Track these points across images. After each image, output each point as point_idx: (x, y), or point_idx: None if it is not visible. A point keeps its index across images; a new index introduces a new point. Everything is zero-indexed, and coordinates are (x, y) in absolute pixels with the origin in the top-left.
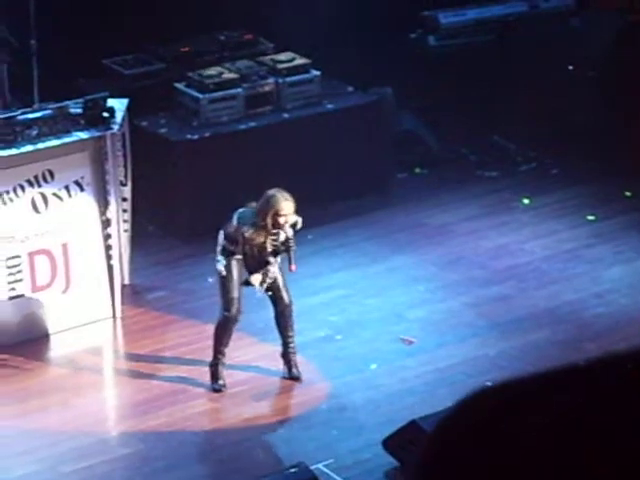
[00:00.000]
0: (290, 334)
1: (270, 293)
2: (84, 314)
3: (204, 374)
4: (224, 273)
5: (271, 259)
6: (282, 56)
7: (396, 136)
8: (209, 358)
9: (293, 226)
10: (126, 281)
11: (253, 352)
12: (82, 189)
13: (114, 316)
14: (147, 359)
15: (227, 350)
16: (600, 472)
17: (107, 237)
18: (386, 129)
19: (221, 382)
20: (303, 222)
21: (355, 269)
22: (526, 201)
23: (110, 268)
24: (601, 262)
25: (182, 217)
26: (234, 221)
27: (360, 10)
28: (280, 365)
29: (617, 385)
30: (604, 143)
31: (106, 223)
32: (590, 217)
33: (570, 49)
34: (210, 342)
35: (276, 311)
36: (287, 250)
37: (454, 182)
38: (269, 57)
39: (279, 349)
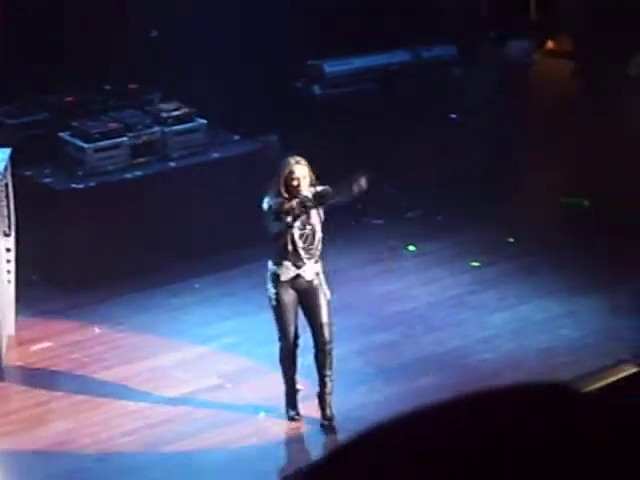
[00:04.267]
0: (328, 373)
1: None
2: None
3: (93, 424)
4: (274, 302)
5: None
6: (167, 105)
7: None
8: (97, 408)
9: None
10: (10, 332)
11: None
12: None
13: None
14: (33, 410)
15: (298, 377)
16: None
17: None
18: (271, 176)
19: (292, 413)
20: (190, 271)
21: (244, 317)
22: (412, 248)
23: None
24: (485, 308)
25: (67, 267)
26: (264, 205)
27: (245, 59)
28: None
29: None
30: (487, 190)
31: None
32: (474, 263)
33: (452, 98)
34: (94, 391)
35: (316, 348)
36: (304, 210)
37: (341, 229)
38: (154, 106)
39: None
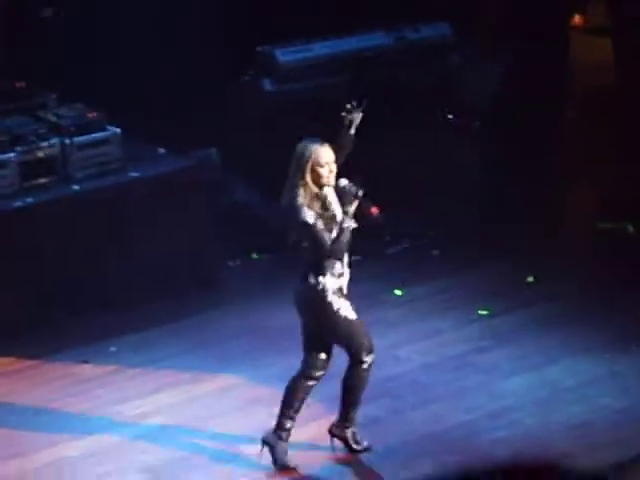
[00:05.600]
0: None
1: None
2: None
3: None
4: (351, 316)
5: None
6: (68, 110)
7: (224, 211)
8: None
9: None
10: None
11: None
12: None
13: None
14: None
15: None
16: None
17: None
18: (211, 202)
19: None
20: (103, 330)
21: (175, 391)
22: (398, 292)
23: None
24: (498, 371)
25: None
26: (307, 214)
27: (172, 46)
28: None
29: None
30: (496, 213)
31: None
32: (482, 311)
33: (449, 92)
34: None
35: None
36: (352, 201)
37: None
38: (51, 111)
39: None
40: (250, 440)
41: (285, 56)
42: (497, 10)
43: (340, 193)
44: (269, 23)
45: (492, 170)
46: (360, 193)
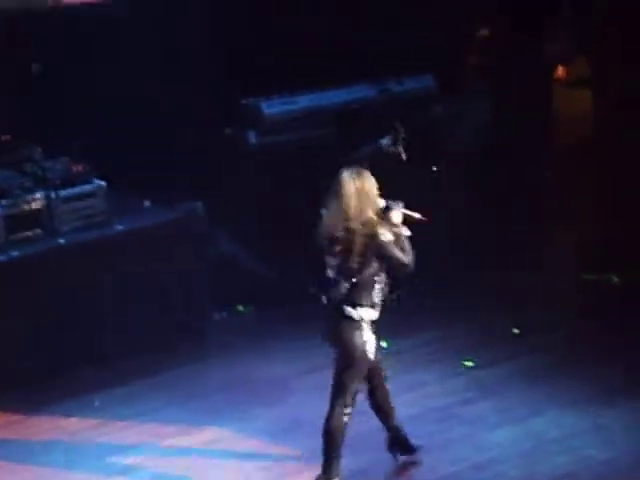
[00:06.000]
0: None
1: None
2: None
3: None
4: (370, 355)
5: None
6: (54, 163)
7: (210, 263)
8: None
9: None
10: None
11: None
12: None
13: None
14: None
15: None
16: None
17: None
18: (196, 255)
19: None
20: (87, 384)
21: (160, 444)
22: (383, 344)
23: None
24: (483, 422)
25: None
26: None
27: (156, 99)
28: None
29: None
30: (480, 263)
31: None
32: (467, 363)
33: (433, 144)
34: None
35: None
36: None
37: (290, 322)
38: (37, 164)
39: None
40: None
41: (270, 108)
42: (482, 56)
43: (385, 211)
44: (254, 75)
45: (477, 217)
46: (402, 205)
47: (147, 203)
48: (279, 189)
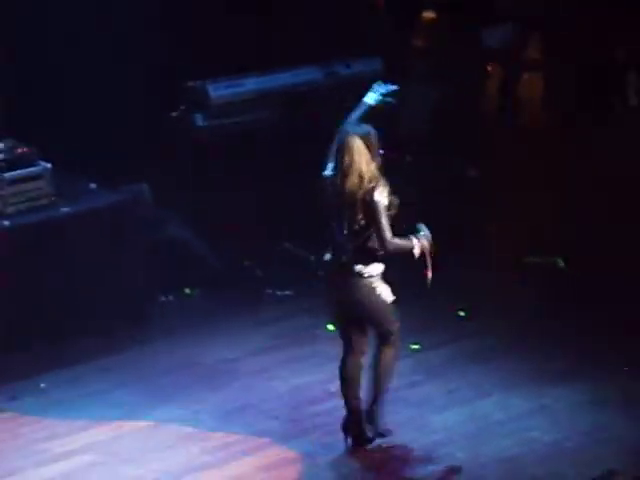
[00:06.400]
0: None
1: None
2: None
3: None
4: (391, 297)
5: None
6: None
7: (156, 247)
8: None
9: None
10: None
11: None
12: None
13: None
14: None
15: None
16: None
17: None
18: (142, 237)
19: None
20: (33, 365)
21: (105, 427)
22: (332, 327)
23: None
24: (429, 405)
25: None
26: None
27: (100, 80)
28: None
29: None
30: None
31: None
32: (414, 346)
33: (381, 127)
34: None
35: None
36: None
37: (236, 305)
38: None
39: None
40: (180, 477)
41: (217, 91)
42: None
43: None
44: (201, 58)
45: (424, 203)
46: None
47: (93, 185)
48: (227, 172)
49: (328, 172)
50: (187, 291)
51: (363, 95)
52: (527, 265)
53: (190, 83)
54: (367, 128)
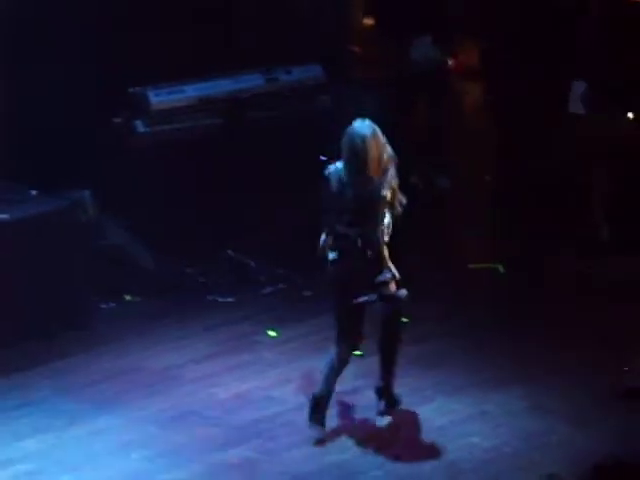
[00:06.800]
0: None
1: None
2: None
3: None
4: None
5: None
6: None
7: (98, 254)
8: None
9: None
10: None
11: None
12: None
13: None
14: None
15: None
16: None
17: None
18: (84, 244)
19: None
20: None
21: (46, 435)
22: (273, 333)
23: None
24: (372, 410)
25: None
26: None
27: (42, 86)
28: None
29: None
30: None
31: None
32: (356, 352)
33: (320, 134)
34: None
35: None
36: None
37: (178, 312)
38: None
39: None
40: None
41: (157, 97)
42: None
43: None
44: (142, 64)
45: None
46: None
47: (33, 192)
48: (168, 179)
49: (334, 170)
50: (127, 298)
51: (303, 101)
52: (471, 271)
53: (131, 89)
54: (373, 125)
